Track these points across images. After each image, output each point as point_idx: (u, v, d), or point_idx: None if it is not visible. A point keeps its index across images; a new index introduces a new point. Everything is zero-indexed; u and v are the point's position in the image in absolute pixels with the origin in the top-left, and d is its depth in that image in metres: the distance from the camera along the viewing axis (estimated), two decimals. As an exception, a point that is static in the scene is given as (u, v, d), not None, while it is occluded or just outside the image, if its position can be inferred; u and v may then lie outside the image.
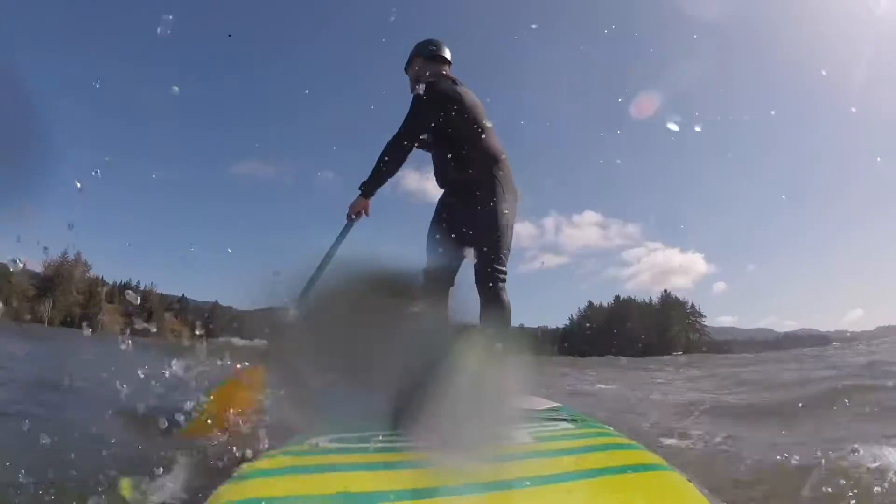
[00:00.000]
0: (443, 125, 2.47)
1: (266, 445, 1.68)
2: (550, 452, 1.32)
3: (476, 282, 2.38)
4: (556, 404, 2.24)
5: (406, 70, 2.78)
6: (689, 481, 1.07)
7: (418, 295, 1.65)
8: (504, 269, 2.41)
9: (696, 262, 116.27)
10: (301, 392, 1.73)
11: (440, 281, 2.37)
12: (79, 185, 2.09)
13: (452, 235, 2.50)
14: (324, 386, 1.62)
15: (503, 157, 2.55)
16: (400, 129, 2.47)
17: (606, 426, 1.69)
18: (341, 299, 1.59)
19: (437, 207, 2.68)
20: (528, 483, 1.05)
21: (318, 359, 1.61)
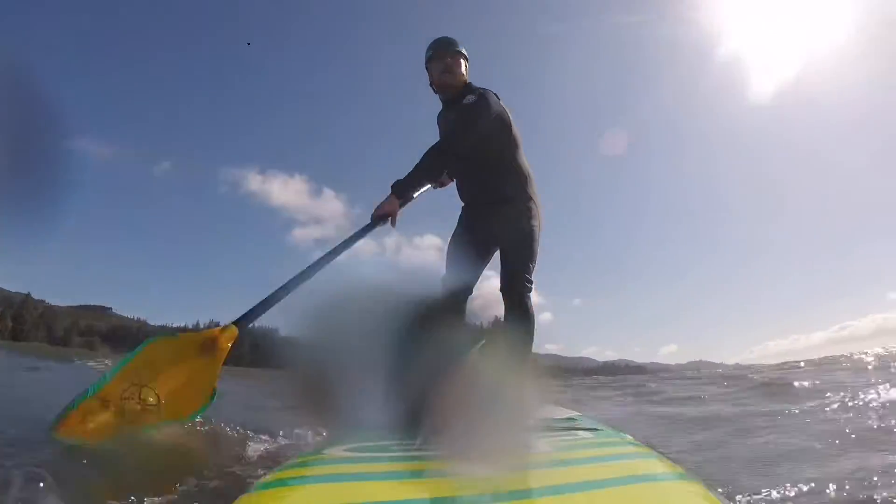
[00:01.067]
0: (486, 140, 2.45)
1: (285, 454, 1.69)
2: (570, 462, 1.31)
3: (504, 290, 2.39)
4: (575, 413, 2.23)
5: (437, 63, 2.60)
6: (709, 490, 1.05)
7: (438, 304, 1.65)
8: (532, 280, 2.41)
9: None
10: (321, 402, 1.74)
11: (459, 291, 2.37)
12: None
13: (477, 249, 2.50)
14: (343, 396, 1.62)
15: (532, 173, 2.57)
16: (449, 135, 2.46)
17: (626, 435, 1.68)
18: (361, 310, 1.60)
19: (461, 220, 2.66)
20: (548, 492, 1.04)
21: (338, 369, 1.62)
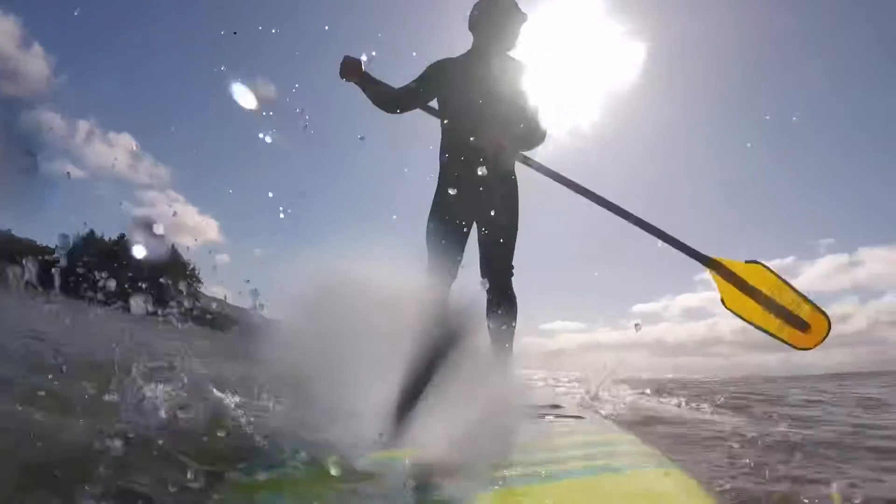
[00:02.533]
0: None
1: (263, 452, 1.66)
2: (555, 449, 1.33)
3: (488, 276, 2.30)
4: (560, 402, 2.26)
5: (501, 23, 2.40)
6: (693, 478, 1.08)
7: (423, 290, 1.65)
8: (513, 265, 2.36)
9: (210, 228, 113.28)
10: (305, 396, 1.73)
11: (445, 274, 2.30)
12: None
13: (462, 229, 2.36)
14: (325, 389, 1.62)
15: None
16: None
17: (611, 422, 1.71)
18: (344, 301, 1.59)
19: (442, 198, 2.40)
20: (532, 480, 1.06)
21: (319, 362, 1.61)
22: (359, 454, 1.21)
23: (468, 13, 2.46)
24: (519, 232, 2.38)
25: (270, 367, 1.77)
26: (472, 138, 2.24)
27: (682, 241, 2.27)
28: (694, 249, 2.26)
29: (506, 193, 2.37)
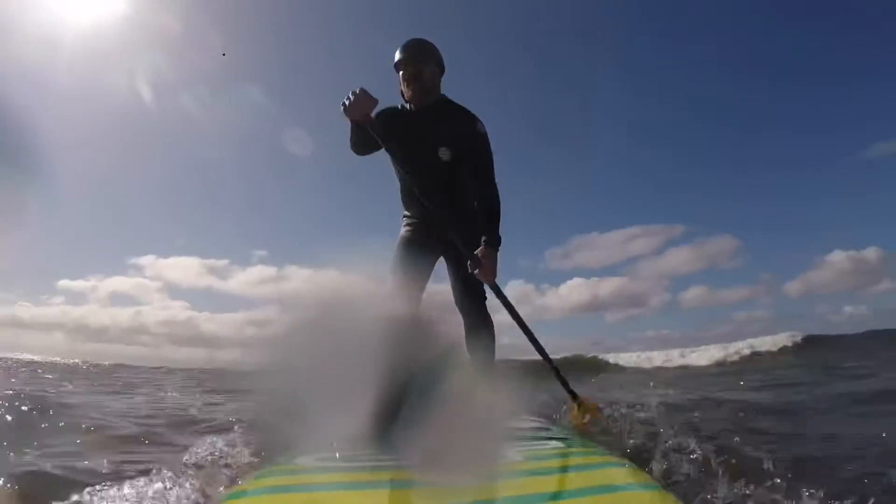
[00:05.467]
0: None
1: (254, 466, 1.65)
2: (541, 471, 1.32)
3: (462, 303, 2.38)
4: (545, 423, 2.25)
5: (408, 66, 2.38)
6: (678, 501, 1.07)
7: (400, 315, 1.64)
8: (484, 290, 2.42)
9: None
10: (288, 412, 1.70)
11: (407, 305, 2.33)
12: None
13: (425, 263, 2.46)
14: (311, 405, 1.60)
15: None
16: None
17: (596, 445, 1.70)
18: (326, 317, 1.58)
19: (410, 234, 2.52)
20: (518, 502, 1.05)
21: (304, 377, 1.59)
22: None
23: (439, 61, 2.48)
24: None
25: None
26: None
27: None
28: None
29: (472, 231, 2.38)
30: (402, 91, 2.43)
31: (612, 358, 17.20)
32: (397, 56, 2.38)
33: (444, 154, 2.34)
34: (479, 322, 2.38)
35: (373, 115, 2.34)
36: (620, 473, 1.27)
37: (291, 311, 1.63)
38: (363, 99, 2.27)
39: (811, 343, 15.52)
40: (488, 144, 2.41)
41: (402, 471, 1.23)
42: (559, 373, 2.53)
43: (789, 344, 15.87)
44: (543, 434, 1.86)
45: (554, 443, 1.69)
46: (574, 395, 2.56)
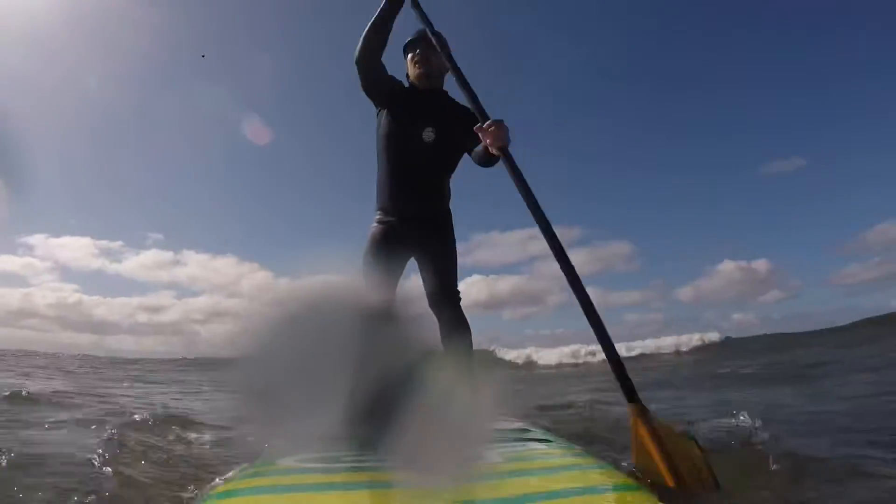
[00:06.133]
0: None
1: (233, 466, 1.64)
2: (521, 473, 1.33)
3: (438, 304, 2.34)
4: (526, 424, 2.26)
5: (417, 46, 2.43)
6: (659, 502, 1.09)
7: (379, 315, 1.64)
8: (458, 291, 2.42)
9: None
10: (268, 411, 1.69)
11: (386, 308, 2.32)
12: None
13: (397, 265, 2.41)
14: (291, 405, 1.59)
15: None
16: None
17: (576, 446, 1.71)
18: (310, 315, 1.57)
19: (382, 234, 2.42)
20: (497, 503, 1.06)
21: (284, 377, 1.58)
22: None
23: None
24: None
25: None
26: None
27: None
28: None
29: (446, 229, 2.46)
30: (407, 74, 2.50)
31: (506, 354, 18.10)
32: (410, 39, 2.47)
33: (429, 135, 2.35)
34: (454, 323, 2.33)
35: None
36: (600, 475, 1.28)
37: (271, 302, 1.61)
38: None
39: (702, 349, 17.36)
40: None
41: (383, 472, 1.23)
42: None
43: (677, 348, 17.97)
44: (523, 435, 1.87)
45: (533, 444, 1.70)
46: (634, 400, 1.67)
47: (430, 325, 2.30)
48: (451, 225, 2.53)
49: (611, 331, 1.78)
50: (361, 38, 2.22)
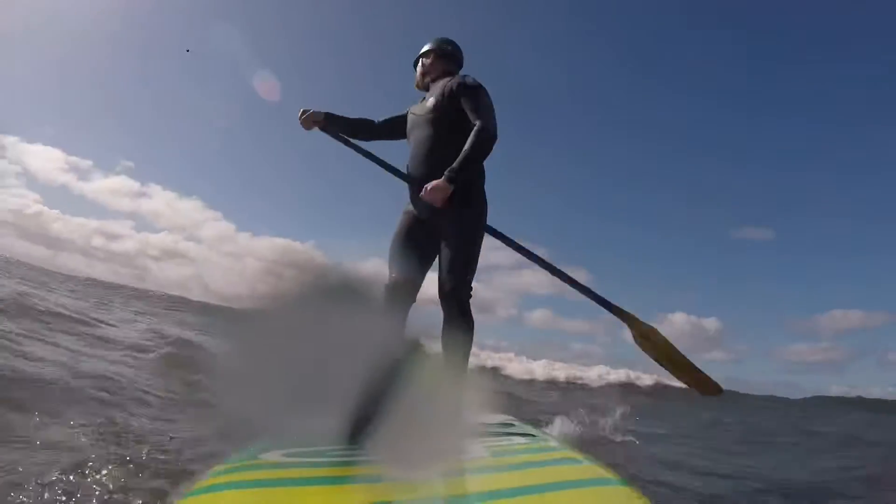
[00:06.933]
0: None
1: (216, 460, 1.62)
2: (506, 467, 1.33)
3: (444, 296, 2.20)
4: (511, 419, 2.27)
5: (428, 63, 2.56)
6: (643, 496, 1.10)
7: (379, 307, 1.63)
8: (471, 286, 2.24)
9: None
10: (253, 403, 1.67)
11: (404, 296, 2.25)
12: None
13: (425, 248, 2.31)
14: (277, 397, 1.57)
15: None
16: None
17: (560, 441, 1.72)
18: (300, 306, 1.55)
19: (407, 216, 2.40)
20: (483, 497, 1.06)
21: (272, 369, 1.56)
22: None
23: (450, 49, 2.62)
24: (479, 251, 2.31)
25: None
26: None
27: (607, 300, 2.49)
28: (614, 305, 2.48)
29: (468, 216, 2.27)
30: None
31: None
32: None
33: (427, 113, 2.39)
34: (456, 315, 2.18)
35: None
36: (585, 469, 1.29)
37: (308, 274, 1.54)
38: (303, 120, 2.57)
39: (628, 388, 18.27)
40: (475, 89, 2.29)
41: (369, 466, 1.23)
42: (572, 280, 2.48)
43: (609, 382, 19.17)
44: (508, 430, 1.87)
45: (518, 438, 1.71)
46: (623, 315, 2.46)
47: (421, 318, 2.25)
48: (480, 204, 2.35)
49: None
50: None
